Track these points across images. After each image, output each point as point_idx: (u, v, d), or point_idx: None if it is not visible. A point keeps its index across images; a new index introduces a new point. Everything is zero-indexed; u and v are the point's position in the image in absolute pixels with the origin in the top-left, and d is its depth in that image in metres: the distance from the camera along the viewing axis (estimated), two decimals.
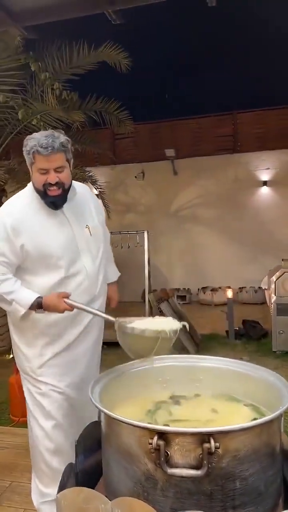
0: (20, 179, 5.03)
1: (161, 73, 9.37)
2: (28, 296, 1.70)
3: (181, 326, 1.41)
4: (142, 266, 6.32)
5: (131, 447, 0.98)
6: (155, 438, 0.92)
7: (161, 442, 0.92)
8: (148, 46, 8.63)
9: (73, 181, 1.93)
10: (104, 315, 1.66)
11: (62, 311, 1.66)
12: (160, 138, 9.28)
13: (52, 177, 1.69)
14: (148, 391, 1.31)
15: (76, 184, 1.95)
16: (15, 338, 1.88)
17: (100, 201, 2.10)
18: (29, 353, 1.83)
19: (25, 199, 1.81)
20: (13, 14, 2.44)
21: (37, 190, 1.74)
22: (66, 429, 1.80)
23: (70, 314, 1.76)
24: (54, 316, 1.76)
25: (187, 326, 1.46)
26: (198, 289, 8.76)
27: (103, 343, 2.01)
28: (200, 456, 0.91)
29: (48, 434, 1.78)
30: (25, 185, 1.89)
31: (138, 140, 9.31)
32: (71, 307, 1.66)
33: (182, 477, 0.91)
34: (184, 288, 8.94)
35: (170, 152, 8.59)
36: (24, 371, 1.85)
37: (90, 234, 1.86)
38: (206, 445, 0.90)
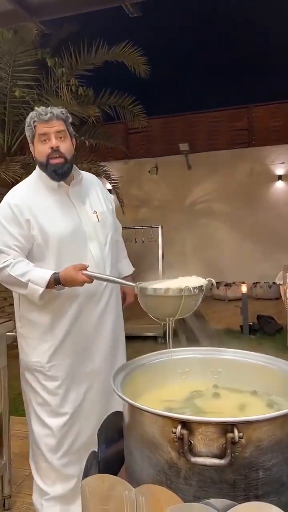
0: None
1: (176, 66, 9.30)
2: (43, 274, 1.66)
3: (206, 282, 1.39)
4: (156, 260, 6.33)
5: (154, 436, 0.99)
6: (179, 427, 0.93)
7: (185, 431, 0.92)
8: (163, 39, 8.59)
9: (78, 169, 1.91)
10: (124, 281, 1.68)
11: (81, 284, 1.63)
12: (174, 132, 9.26)
13: (53, 142, 1.70)
14: (168, 382, 1.31)
15: (82, 171, 1.92)
16: (24, 332, 1.83)
17: (114, 196, 2.10)
18: (38, 347, 1.78)
19: (29, 183, 1.82)
20: (31, 8, 2.45)
21: (40, 164, 1.75)
22: (70, 427, 1.78)
23: (80, 306, 1.76)
24: (64, 309, 1.75)
25: (214, 282, 1.43)
26: (212, 284, 8.74)
27: None
28: (224, 445, 0.92)
29: (53, 432, 1.75)
30: None
31: (151, 135, 9.30)
32: (90, 279, 1.63)
33: (206, 465, 0.92)
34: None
35: (184, 146, 8.57)
36: (32, 367, 1.80)
37: (98, 219, 1.83)
38: (230, 434, 0.91)
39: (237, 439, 0.90)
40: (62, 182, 1.76)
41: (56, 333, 1.77)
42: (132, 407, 1.04)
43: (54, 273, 1.66)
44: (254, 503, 0.89)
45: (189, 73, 9.45)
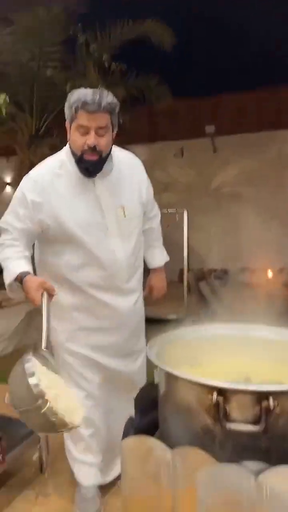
0: None
1: (203, 46, 9.09)
2: (16, 267, 1.57)
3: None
4: (179, 245, 6.32)
5: (190, 403, 1.03)
6: (215, 394, 0.97)
7: (221, 398, 0.96)
8: (191, 19, 8.38)
9: (118, 150, 1.81)
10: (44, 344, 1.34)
11: (32, 302, 1.49)
12: (200, 114, 9.10)
13: (91, 139, 1.57)
14: (202, 357, 1.34)
15: (121, 154, 1.81)
16: None
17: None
18: (57, 325, 1.77)
19: (54, 165, 1.71)
20: None
21: (73, 153, 1.65)
22: (97, 400, 1.79)
23: (103, 304, 1.73)
24: (87, 295, 1.73)
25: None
26: (237, 269, 8.68)
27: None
28: (258, 413, 0.95)
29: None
30: None
31: (177, 117, 9.16)
32: (38, 303, 1.46)
33: (240, 431, 0.96)
34: (222, 269, 8.88)
35: (210, 129, 8.42)
36: (52, 340, 1.76)
37: (124, 215, 1.72)
38: (265, 403, 0.94)
39: (272, 407, 0.94)
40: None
41: (75, 314, 1.77)
42: (169, 376, 1.09)
43: (24, 272, 1.54)
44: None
45: (216, 53, 9.23)
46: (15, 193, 1.73)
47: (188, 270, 6.70)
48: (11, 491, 1.87)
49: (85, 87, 1.65)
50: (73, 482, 1.83)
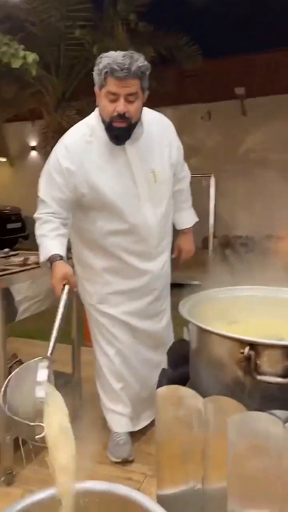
0: None
1: (233, 2, 8.61)
2: (50, 248, 1.61)
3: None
4: (204, 211, 6.26)
5: (222, 357, 1.09)
6: (247, 348, 1.02)
7: (252, 352, 1.02)
8: None
9: (148, 111, 1.80)
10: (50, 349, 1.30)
11: (53, 290, 1.54)
12: (229, 75, 8.75)
13: (121, 106, 1.56)
14: (233, 317, 1.38)
15: (150, 116, 1.79)
16: (78, 270, 1.89)
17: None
18: (90, 288, 1.86)
19: (86, 136, 1.71)
20: None
21: (103, 120, 1.65)
22: (127, 357, 1.88)
23: (135, 272, 1.79)
24: (116, 259, 1.78)
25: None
26: (263, 236, 8.58)
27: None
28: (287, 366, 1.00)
29: (111, 360, 1.87)
30: None
31: (204, 78, 8.85)
32: (59, 295, 1.49)
33: (269, 383, 1.02)
34: (247, 236, 8.79)
35: (239, 91, 8.11)
36: (86, 302, 1.92)
37: (155, 180, 1.74)
38: None
39: None
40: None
41: (107, 278, 1.83)
42: (201, 331, 1.15)
43: (57, 255, 1.59)
44: None
45: (246, 10, 8.72)
46: (48, 161, 1.73)
47: (214, 236, 6.67)
48: None
49: (113, 49, 1.61)
50: (106, 429, 1.96)
